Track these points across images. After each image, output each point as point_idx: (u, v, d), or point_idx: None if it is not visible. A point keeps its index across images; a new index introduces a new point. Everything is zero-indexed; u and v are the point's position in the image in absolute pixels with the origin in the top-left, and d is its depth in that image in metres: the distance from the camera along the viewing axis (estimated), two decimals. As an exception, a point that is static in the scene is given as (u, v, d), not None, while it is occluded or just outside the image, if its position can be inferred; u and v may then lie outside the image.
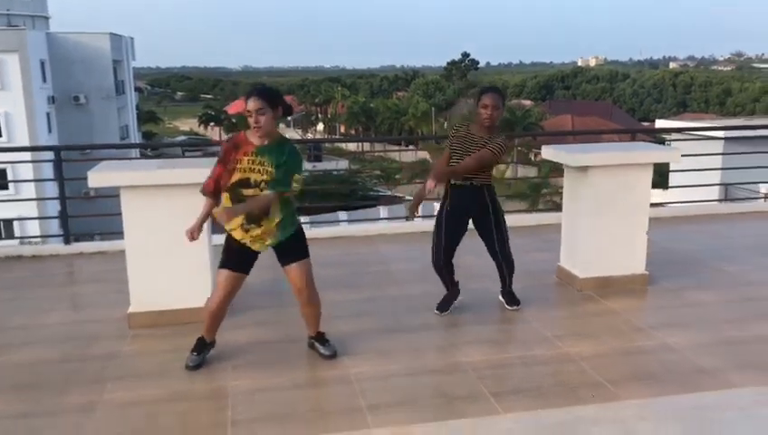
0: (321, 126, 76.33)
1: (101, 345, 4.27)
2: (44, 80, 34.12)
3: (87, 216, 7.53)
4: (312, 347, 4.11)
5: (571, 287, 5.26)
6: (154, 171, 4.35)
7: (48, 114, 34.33)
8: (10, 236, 29.35)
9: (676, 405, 3.44)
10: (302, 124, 73.51)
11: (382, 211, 31.70)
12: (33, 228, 26.68)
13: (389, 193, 44.53)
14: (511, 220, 7.46)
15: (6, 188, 30.64)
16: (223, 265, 3.79)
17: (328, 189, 39.86)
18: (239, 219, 3.67)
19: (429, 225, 7.53)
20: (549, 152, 5.26)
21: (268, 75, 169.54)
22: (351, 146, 66.78)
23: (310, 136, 72.22)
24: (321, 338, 4.08)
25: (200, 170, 4.47)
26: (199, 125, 68.14)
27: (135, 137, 40.64)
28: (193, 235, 3.76)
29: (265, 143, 3.64)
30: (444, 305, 4.73)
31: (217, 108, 71.23)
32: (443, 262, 4.63)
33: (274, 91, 3.64)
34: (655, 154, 5.07)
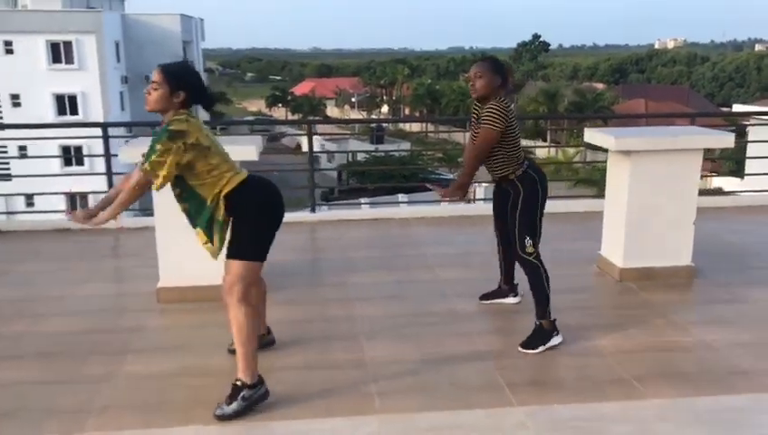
0: (385, 108, 76.30)
1: (129, 318, 4.36)
2: (118, 60, 35.41)
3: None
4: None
5: (611, 278, 5.03)
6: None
7: (121, 93, 35.64)
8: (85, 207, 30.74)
9: (702, 407, 3.22)
10: (366, 106, 73.65)
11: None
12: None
13: (452, 176, 44.20)
14: (559, 207, 7.29)
15: (82, 163, 32.04)
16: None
17: (388, 171, 39.97)
18: None
19: (464, 209, 7.39)
20: (591, 135, 5.01)
21: (336, 57, 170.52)
22: (415, 128, 66.63)
23: (374, 117, 72.28)
24: (235, 388, 3.17)
25: (242, 148, 4.51)
26: (266, 106, 69.35)
27: (203, 117, 41.67)
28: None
29: (150, 109, 3.16)
30: (485, 295, 4.56)
31: (284, 89, 72.27)
32: (497, 238, 4.41)
33: (187, 72, 3.13)
34: (704, 139, 4.76)
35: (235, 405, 3.14)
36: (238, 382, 3.18)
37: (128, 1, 43.97)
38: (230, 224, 3.24)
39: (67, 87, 33.38)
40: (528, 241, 3.95)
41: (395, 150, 45.80)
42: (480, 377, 3.54)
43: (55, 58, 33.26)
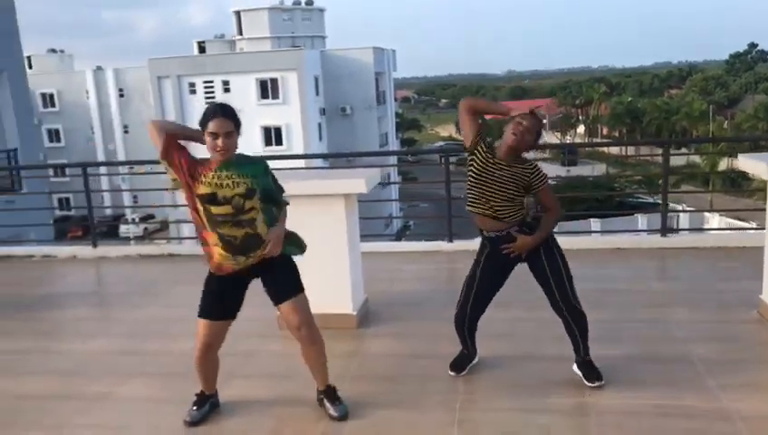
0: (581, 128, 73.41)
1: (247, 343, 4.53)
2: (317, 93, 38.10)
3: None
4: (320, 404, 3.55)
5: (772, 326, 4.32)
6: (292, 182, 4.55)
7: (319, 124, 38.28)
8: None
9: None
10: (560, 127, 71.44)
11: (641, 220, 29.31)
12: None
13: (651, 200, 41.32)
14: (731, 240, 6.40)
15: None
16: (201, 312, 3.41)
17: (581, 196, 38.35)
18: (222, 253, 3.26)
19: (614, 241, 6.64)
20: (744, 161, 4.37)
21: (531, 78, 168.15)
22: (614, 150, 63.15)
23: (569, 139, 69.93)
24: (330, 394, 3.52)
25: (350, 181, 4.60)
26: (456, 131, 70.26)
27: (393, 144, 43.29)
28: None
29: (225, 158, 3.21)
30: (459, 365, 3.93)
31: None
32: (467, 320, 3.85)
33: (235, 109, 3.23)
34: None
35: (343, 404, 3.49)
36: (331, 385, 3.54)
37: (329, 38, 47.25)
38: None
39: (273, 120, 36.63)
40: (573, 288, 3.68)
41: (589, 175, 43.89)
42: (575, 432, 3.21)
43: (263, 94, 36.71)
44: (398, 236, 26.33)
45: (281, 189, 3.45)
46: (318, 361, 3.49)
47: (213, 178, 3.18)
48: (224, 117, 3.12)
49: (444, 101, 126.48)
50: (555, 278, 3.61)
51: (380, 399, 3.67)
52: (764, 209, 4.76)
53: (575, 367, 3.75)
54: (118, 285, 6.45)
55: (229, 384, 3.92)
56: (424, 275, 6.01)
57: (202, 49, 47.16)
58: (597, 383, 3.64)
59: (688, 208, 26.27)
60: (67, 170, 31.75)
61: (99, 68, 44.17)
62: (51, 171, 37.04)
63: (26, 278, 6.70)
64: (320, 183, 4.58)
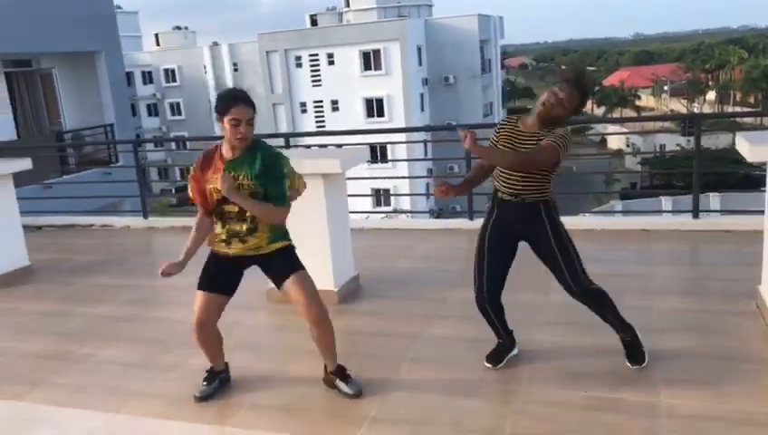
0: (711, 95, 68.14)
1: (232, 314, 4.76)
2: (420, 63, 37.91)
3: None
4: (331, 386, 3.51)
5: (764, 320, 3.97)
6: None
7: (421, 95, 38.14)
8: (387, 203, 33.88)
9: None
10: (687, 94, 66.66)
11: (768, 198, 27.03)
12: (405, 203, 30.57)
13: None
14: (759, 224, 5.75)
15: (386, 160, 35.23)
16: (199, 284, 3.44)
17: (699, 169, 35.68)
18: (222, 234, 3.35)
19: (646, 223, 6.21)
20: (739, 141, 4.00)
21: (660, 42, 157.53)
22: (748, 118, 58.11)
23: (696, 107, 65.21)
24: (342, 374, 3.49)
25: (325, 161, 4.68)
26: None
27: (498, 114, 42.35)
28: (170, 271, 3.34)
29: (236, 155, 3.22)
30: (496, 357, 3.66)
31: (594, 79, 69.44)
32: (485, 297, 3.52)
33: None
34: None
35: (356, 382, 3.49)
36: (343, 367, 3.53)
37: (435, 6, 46.65)
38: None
39: (375, 91, 36.97)
40: (584, 268, 3.41)
41: (712, 146, 40.75)
42: (485, 421, 3.16)
43: (366, 66, 37.07)
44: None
45: (283, 193, 3.30)
46: (325, 342, 3.45)
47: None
48: (246, 104, 3.10)
49: (564, 67, 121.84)
50: (564, 259, 3.37)
51: (319, 375, 3.77)
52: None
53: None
54: (154, 254, 6.93)
55: (197, 353, 4.16)
56: (432, 253, 5.98)
57: (314, 22, 48.15)
58: (635, 366, 3.49)
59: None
60: (188, 143, 33.76)
61: (215, 44, 46.38)
62: (173, 144, 39.68)
63: (77, 246, 7.36)
64: (295, 163, 4.66)
